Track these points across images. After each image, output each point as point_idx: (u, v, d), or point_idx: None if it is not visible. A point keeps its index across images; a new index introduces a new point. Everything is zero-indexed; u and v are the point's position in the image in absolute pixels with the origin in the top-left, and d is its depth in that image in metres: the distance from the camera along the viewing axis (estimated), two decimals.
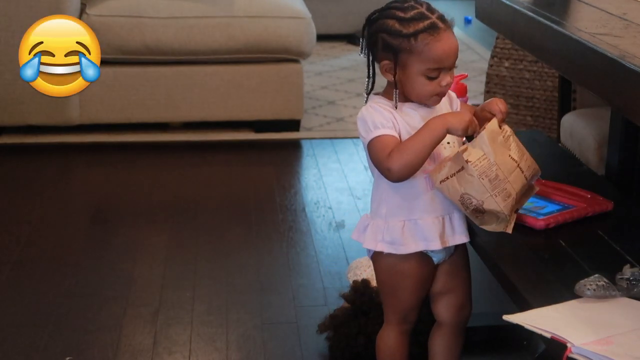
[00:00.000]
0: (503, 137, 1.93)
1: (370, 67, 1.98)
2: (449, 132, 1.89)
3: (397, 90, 1.93)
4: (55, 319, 2.66)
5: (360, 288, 2.51)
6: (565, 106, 3.16)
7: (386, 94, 1.98)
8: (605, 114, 2.71)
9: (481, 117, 1.96)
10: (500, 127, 1.93)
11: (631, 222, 2.12)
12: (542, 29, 2.23)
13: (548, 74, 3.70)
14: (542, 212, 2.10)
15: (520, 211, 2.11)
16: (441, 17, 1.90)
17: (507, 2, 2.48)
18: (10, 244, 3.15)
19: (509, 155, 1.92)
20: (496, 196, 1.89)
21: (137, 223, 3.34)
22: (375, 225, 2.01)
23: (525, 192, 1.99)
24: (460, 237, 2.02)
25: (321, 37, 5.28)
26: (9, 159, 3.99)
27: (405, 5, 1.91)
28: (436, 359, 2.16)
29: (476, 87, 4.57)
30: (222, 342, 2.56)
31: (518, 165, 1.93)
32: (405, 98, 1.96)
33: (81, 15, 4.05)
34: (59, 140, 4.14)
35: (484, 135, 1.89)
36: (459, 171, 1.89)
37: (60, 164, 3.94)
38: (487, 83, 3.86)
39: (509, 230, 1.94)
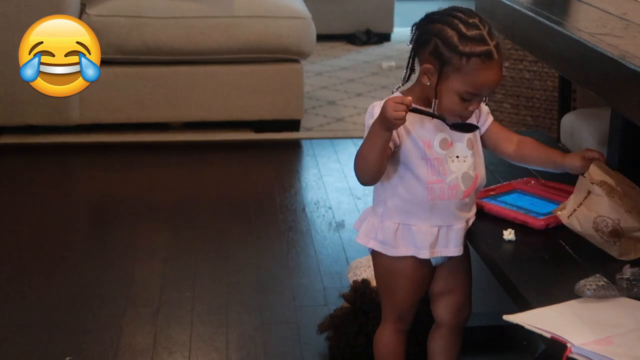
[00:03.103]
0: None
1: (410, 61, 1.96)
2: (385, 127, 1.86)
3: (437, 100, 1.91)
4: (55, 319, 2.66)
5: (360, 288, 2.51)
6: (565, 106, 3.16)
7: (410, 94, 1.96)
8: (605, 114, 2.71)
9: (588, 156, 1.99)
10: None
11: None
12: (542, 29, 2.23)
13: (548, 74, 3.70)
14: (542, 212, 2.10)
15: (520, 211, 2.11)
16: (497, 46, 1.87)
17: (507, 2, 2.48)
18: (10, 244, 3.15)
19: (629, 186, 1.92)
20: (630, 212, 1.85)
21: (137, 223, 3.34)
22: (370, 223, 2.02)
23: None
24: (454, 249, 2.01)
25: (321, 37, 5.28)
26: (9, 159, 3.99)
27: (470, 20, 1.87)
28: (435, 359, 2.16)
29: None
30: (222, 342, 2.56)
31: None
32: (426, 105, 1.95)
33: (81, 15, 4.05)
34: (59, 140, 4.14)
35: (594, 166, 1.90)
36: (585, 198, 1.87)
37: (60, 164, 3.94)
38: None
39: None
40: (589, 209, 1.88)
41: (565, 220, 1.92)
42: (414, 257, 2.00)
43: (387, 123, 1.85)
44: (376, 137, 1.88)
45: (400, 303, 2.06)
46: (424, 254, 1.99)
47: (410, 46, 1.95)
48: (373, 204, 2.04)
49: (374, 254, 2.06)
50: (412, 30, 1.96)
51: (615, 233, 1.87)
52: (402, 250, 1.99)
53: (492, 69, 1.86)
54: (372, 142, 1.89)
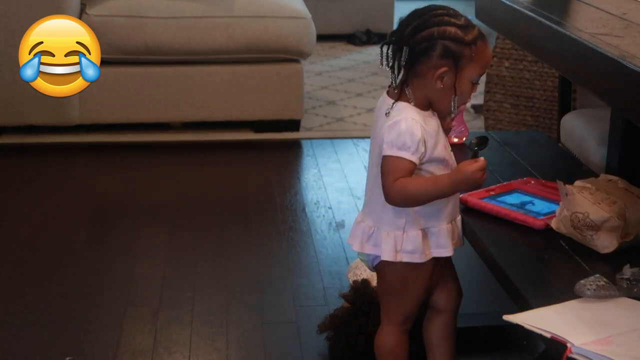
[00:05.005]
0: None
1: (396, 72, 1.96)
2: (466, 189, 1.99)
3: (456, 97, 1.94)
4: (55, 319, 2.66)
5: (360, 288, 2.51)
6: (565, 106, 3.16)
7: (417, 103, 1.96)
8: (605, 114, 2.71)
9: None
10: None
11: None
12: (542, 29, 2.23)
13: (548, 74, 3.70)
14: (542, 212, 2.11)
15: (520, 211, 2.11)
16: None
17: (507, 2, 2.48)
18: (10, 244, 3.15)
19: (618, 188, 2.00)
20: (599, 204, 1.93)
21: (137, 223, 3.34)
22: (392, 238, 1.99)
23: None
24: (459, 241, 2.07)
25: (321, 37, 5.28)
26: (9, 159, 3.99)
27: (452, 12, 1.95)
28: (436, 347, 2.17)
29: None
30: (222, 342, 2.56)
31: (633, 193, 1.98)
32: (424, 107, 1.96)
33: (81, 15, 4.05)
34: (59, 140, 4.14)
35: (579, 181, 2.03)
36: (565, 200, 1.97)
37: (60, 164, 3.94)
38: (487, 83, 3.86)
39: (628, 238, 1.95)
40: (567, 210, 1.97)
41: (554, 227, 2.00)
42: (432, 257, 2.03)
43: (470, 188, 1.96)
44: (448, 191, 1.93)
45: (412, 304, 2.08)
46: (447, 252, 2.03)
47: (383, 67, 1.96)
48: (385, 217, 2.00)
49: (389, 264, 2.02)
50: (383, 49, 1.97)
51: (589, 227, 1.93)
52: (428, 253, 2.01)
53: (488, 44, 1.96)
54: (441, 193, 1.94)
